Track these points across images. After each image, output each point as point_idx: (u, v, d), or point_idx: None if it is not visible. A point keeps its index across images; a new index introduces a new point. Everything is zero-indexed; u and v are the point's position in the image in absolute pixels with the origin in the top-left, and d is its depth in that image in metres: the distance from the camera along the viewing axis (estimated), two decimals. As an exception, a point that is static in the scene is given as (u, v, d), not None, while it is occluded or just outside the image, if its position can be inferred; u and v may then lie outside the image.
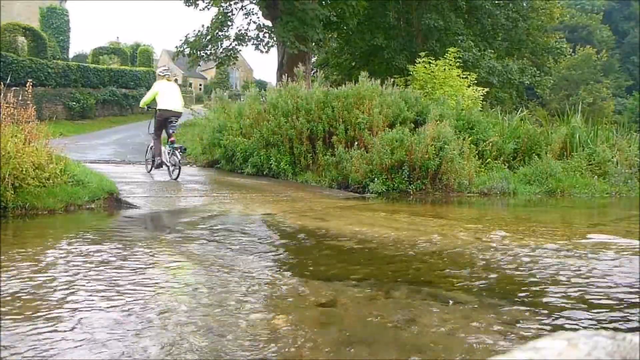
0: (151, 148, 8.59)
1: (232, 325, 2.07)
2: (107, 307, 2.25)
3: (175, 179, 7.88)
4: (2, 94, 5.27)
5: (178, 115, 8.35)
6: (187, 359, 1.76)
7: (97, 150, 13.67)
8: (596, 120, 11.70)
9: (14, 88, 5.82)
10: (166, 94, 8.20)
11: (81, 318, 2.11)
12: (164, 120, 8.22)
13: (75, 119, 22.48)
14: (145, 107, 8.62)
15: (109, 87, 25.19)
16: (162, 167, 8.28)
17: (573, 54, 37.38)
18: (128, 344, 1.86)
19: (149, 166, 8.75)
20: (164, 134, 8.44)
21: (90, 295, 2.42)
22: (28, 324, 2.00)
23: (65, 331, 1.96)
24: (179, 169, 7.98)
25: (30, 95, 5.59)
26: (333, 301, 2.43)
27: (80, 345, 1.83)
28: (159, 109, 8.18)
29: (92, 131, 20.55)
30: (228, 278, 2.81)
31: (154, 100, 8.32)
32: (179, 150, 8.03)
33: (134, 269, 2.92)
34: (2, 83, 5.47)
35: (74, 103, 22.68)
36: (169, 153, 8.14)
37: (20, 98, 5.54)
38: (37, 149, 5.25)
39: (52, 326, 2.01)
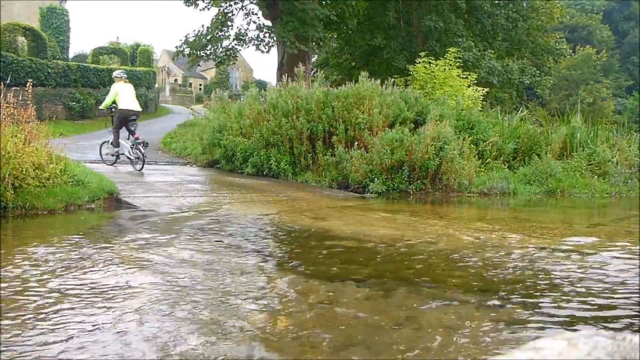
0: (110, 143, 9.34)
1: (233, 325, 2.07)
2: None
3: (140, 170, 8.60)
4: (2, 94, 5.26)
5: (137, 114, 9.26)
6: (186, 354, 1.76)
7: (97, 150, 13.62)
8: (596, 120, 11.68)
9: (14, 88, 5.80)
10: (125, 95, 9.14)
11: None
12: (125, 119, 9.06)
13: (75, 119, 22.43)
14: (106, 108, 9.38)
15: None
16: (119, 158, 9.13)
17: (573, 54, 37.36)
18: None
19: (111, 161, 9.38)
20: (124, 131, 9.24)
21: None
22: None
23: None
24: (143, 161, 8.71)
25: (30, 95, 5.58)
26: (333, 301, 2.43)
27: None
28: (120, 109, 9.05)
29: (92, 131, 20.48)
30: (228, 277, 2.80)
31: (113, 102, 9.15)
32: (142, 144, 8.74)
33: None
34: (2, 83, 5.46)
35: (74, 103, 22.65)
36: (132, 147, 8.83)
37: (20, 98, 5.53)
38: (37, 149, 5.24)
39: None
